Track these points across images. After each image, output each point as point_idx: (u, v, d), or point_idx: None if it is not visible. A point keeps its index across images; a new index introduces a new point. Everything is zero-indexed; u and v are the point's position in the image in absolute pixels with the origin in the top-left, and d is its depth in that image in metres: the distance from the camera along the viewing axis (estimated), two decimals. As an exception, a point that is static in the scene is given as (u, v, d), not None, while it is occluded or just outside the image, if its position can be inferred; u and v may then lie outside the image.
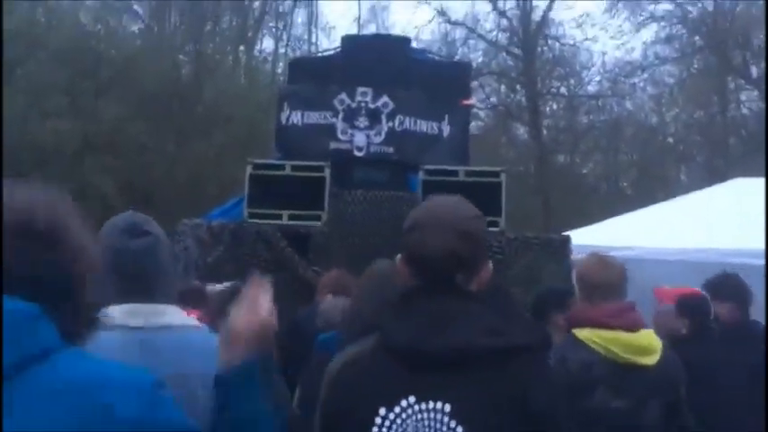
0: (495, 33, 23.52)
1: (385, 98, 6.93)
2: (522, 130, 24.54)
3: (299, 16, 23.52)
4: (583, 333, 2.64)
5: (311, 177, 6.48)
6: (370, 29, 22.38)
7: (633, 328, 2.65)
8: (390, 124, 6.91)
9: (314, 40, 23.03)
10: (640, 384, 2.60)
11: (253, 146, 13.21)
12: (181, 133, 15.67)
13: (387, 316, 1.57)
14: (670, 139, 23.81)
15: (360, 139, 6.93)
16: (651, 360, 2.65)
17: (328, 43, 20.45)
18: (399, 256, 1.64)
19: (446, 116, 6.99)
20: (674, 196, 10.02)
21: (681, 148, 23.51)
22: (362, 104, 6.93)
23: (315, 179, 6.46)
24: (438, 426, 1.43)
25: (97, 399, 0.95)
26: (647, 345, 2.68)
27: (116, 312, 1.70)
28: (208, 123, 15.92)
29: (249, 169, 6.56)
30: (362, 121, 6.92)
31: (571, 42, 23.11)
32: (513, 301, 2.97)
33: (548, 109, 24.39)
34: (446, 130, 6.98)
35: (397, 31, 21.75)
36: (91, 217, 1.23)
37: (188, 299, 3.56)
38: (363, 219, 6.55)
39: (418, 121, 6.94)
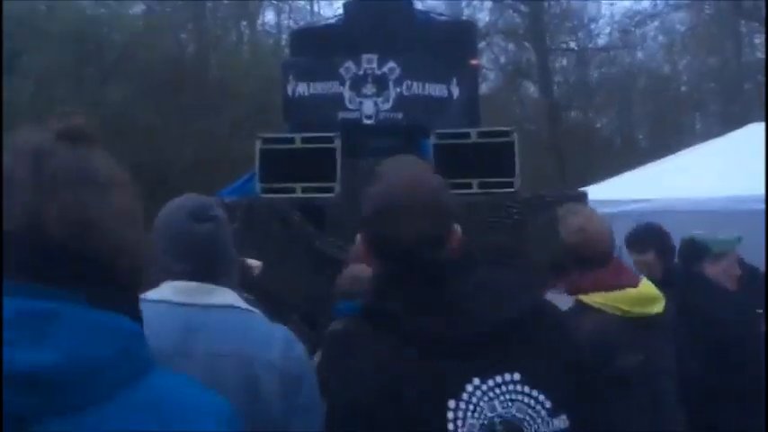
0: (499, -9, 23.12)
1: (391, 63, 6.82)
2: (532, 89, 24.26)
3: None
4: (590, 298, 2.57)
5: (322, 149, 6.42)
6: (373, -5, 22.06)
7: (635, 283, 2.61)
8: (398, 90, 6.82)
9: (316, 9, 22.80)
10: (656, 334, 2.58)
11: (262, 120, 13.16)
12: (188, 112, 15.62)
13: (399, 311, 1.43)
14: (683, 88, 23.45)
15: (368, 106, 6.85)
16: (660, 308, 2.63)
17: (332, 12, 20.21)
18: (360, 238, 1.57)
19: (454, 78, 6.88)
20: (689, 145, 9.86)
21: (695, 97, 23.15)
22: (369, 71, 6.84)
23: (325, 150, 6.41)
24: (516, 396, 1.38)
25: (186, 424, 0.94)
26: (654, 294, 2.65)
27: (167, 288, 1.71)
28: (215, 101, 15.86)
29: (259, 144, 6.51)
30: (370, 89, 6.84)
31: (579, -6, 22.71)
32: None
33: (558, 65, 24.05)
34: (455, 91, 6.88)
35: (399, -6, 21.40)
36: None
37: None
38: (376, 187, 6.49)
39: (426, 85, 6.84)
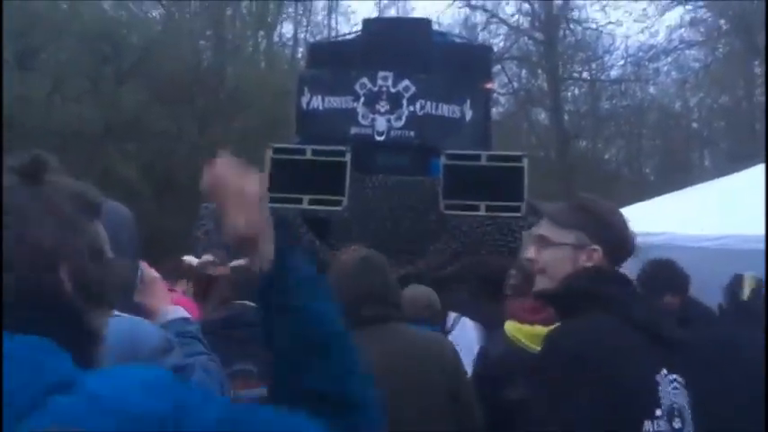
0: (516, 17, 23.31)
1: (406, 82, 6.89)
2: (543, 116, 24.34)
3: (320, 1, 23.50)
4: (508, 326, 2.69)
5: (332, 162, 6.48)
6: (390, 13, 22.28)
7: (550, 323, 2.62)
8: (411, 108, 6.88)
9: (334, 24, 22.99)
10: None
11: (273, 131, 13.23)
12: (202, 118, 15.72)
13: (630, 299, 1.79)
14: (694, 125, 23.49)
15: (381, 123, 6.90)
16: None
17: (348, 28, 20.39)
18: (597, 248, 1.82)
19: (468, 100, 6.94)
20: (698, 182, 9.86)
21: (705, 134, 23.19)
22: (383, 89, 6.90)
23: (335, 164, 6.46)
24: (682, 397, 1.71)
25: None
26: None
27: None
28: (229, 108, 15.96)
29: (270, 153, 6.56)
30: (383, 106, 6.90)
31: (593, 26, 22.84)
32: None
33: (569, 94, 24.15)
34: (468, 114, 6.93)
35: (417, 14, 21.62)
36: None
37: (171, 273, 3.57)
38: (384, 203, 6.53)
39: (440, 105, 6.90)
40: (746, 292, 3.80)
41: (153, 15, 20.01)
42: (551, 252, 1.84)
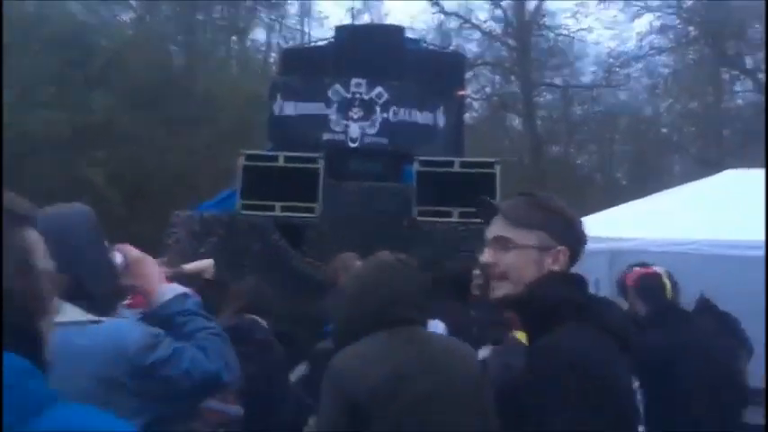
0: (489, 23, 23.46)
1: (379, 89, 6.87)
2: (516, 121, 24.51)
3: (292, 6, 23.43)
4: (521, 336, 2.61)
5: (305, 169, 6.43)
6: (364, 19, 22.28)
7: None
8: (385, 115, 6.86)
9: (307, 29, 22.93)
10: None
11: (245, 136, 13.13)
12: (173, 124, 15.56)
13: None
14: (664, 130, 23.81)
15: (354, 130, 6.88)
16: None
17: (322, 33, 20.33)
18: (564, 249, 1.72)
19: (441, 107, 6.95)
20: (668, 186, 9.97)
21: (675, 139, 23.52)
22: (357, 95, 6.88)
23: (308, 170, 6.41)
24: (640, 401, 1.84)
25: None
26: None
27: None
28: (200, 114, 15.82)
29: (242, 160, 6.49)
30: (357, 112, 6.87)
31: (566, 32, 23.06)
32: None
33: (542, 99, 24.35)
34: (441, 120, 6.94)
35: (391, 21, 21.65)
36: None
37: None
38: (358, 210, 6.50)
39: (413, 112, 6.89)
40: (669, 291, 3.82)
41: (123, 19, 19.79)
42: (514, 255, 1.70)
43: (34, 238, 1.06)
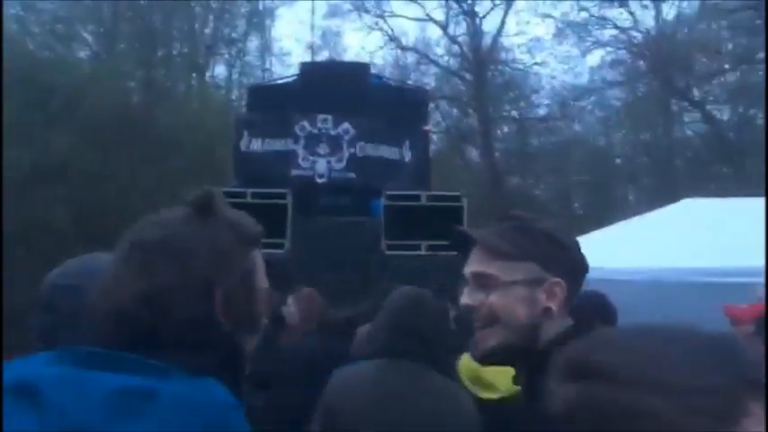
0: (446, 58, 23.91)
1: (346, 125, 6.97)
2: (475, 153, 24.88)
3: (252, 41, 23.55)
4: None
5: (273, 204, 6.46)
6: (324, 55, 22.52)
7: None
8: (352, 150, 6.96)
9: (268, 65, 23.04)
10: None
11: (208, 173, 13.08)
12: (134, 161, 15.42)
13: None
14: (618, 161, 24.41)
15: (321, 165, 6.95)
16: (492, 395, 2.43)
17: (282, 69, 20.47)
18: (559, 280, 1.40)
19: (407, 141, 7.07)
20: (623, 216, 10.23)
21: (628, 169, 24.11)
22: (323, 131, 6.97)
23: (276, 206, 6.44)
24: None
25: None
26: (491, 380, 2.46)
27: None
28: (161, 150, 15.71)
29: (209, 197, 6.50)
30: (324, 148, 6.95)
31: (521, 67, 23.62)
32: None
33: (499, 132, 24.80)
34: (407, 155, 7.06)
35: (349, 56, 21.94)
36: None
37: None
38: (326, 245, 6.54)
39: (379, 147, 7.00)
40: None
41: (80, 56, 19.62)
42: (500, 295, 1.38)
43: (258, 259, 1.12)
